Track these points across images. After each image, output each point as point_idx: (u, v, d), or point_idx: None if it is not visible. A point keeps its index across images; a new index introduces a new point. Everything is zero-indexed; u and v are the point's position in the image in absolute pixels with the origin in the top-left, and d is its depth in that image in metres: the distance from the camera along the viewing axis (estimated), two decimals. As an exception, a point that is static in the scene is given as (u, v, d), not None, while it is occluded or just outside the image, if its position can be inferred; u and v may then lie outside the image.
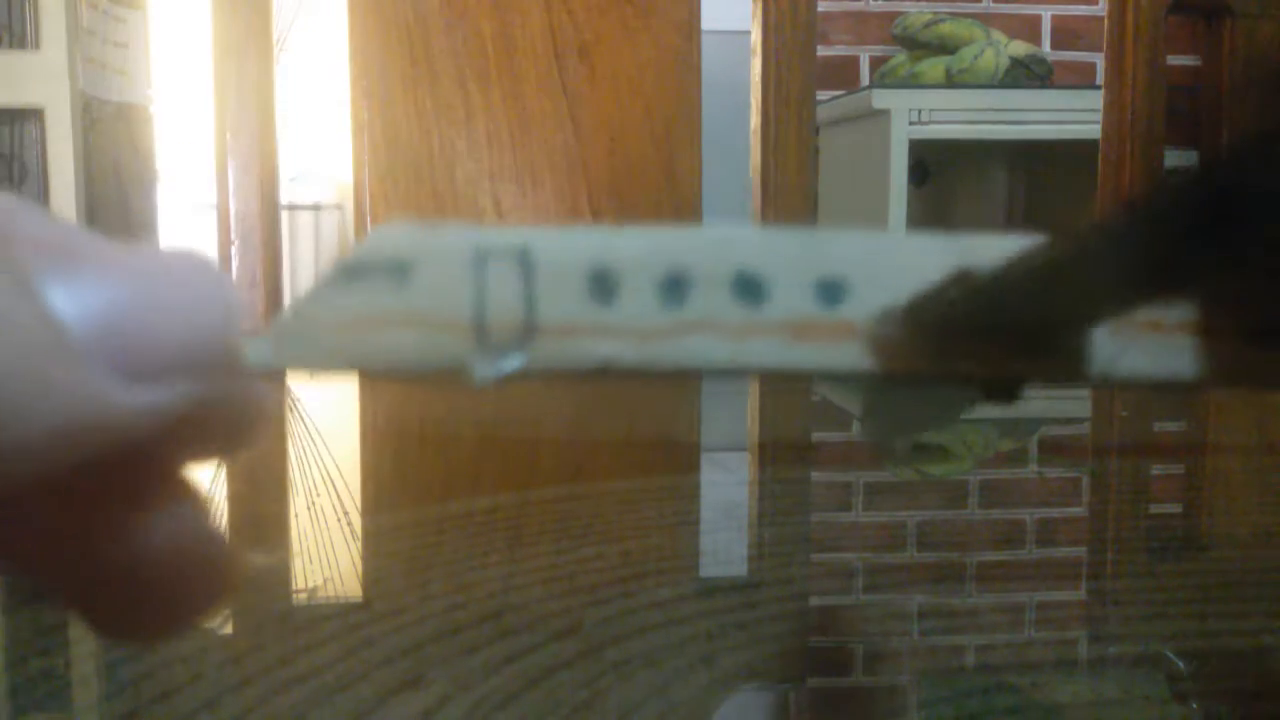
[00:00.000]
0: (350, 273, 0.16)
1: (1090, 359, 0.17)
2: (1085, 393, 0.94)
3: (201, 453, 0.16)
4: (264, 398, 0.16)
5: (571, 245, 0.17)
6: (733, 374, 0.17)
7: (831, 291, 0.17)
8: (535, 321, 0.16)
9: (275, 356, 0.16)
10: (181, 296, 0.15)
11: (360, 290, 0.16)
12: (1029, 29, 2.59)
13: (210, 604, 0.17)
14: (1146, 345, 0.17)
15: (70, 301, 0.14)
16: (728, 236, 0.17)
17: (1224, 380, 0.18)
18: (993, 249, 0.17)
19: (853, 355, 0.17)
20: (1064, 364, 0.17)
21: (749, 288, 0.17)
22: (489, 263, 0.16)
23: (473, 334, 0.16)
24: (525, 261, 0.16)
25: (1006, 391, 0.17)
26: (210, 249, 1.08)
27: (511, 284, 0.16)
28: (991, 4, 2.60)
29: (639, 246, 0.17)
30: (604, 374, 0.17)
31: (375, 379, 0.17)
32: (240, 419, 0.16)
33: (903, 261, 0.17)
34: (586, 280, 0.16)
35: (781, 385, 0.92)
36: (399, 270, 0.16)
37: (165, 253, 0.15)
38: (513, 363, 0.16)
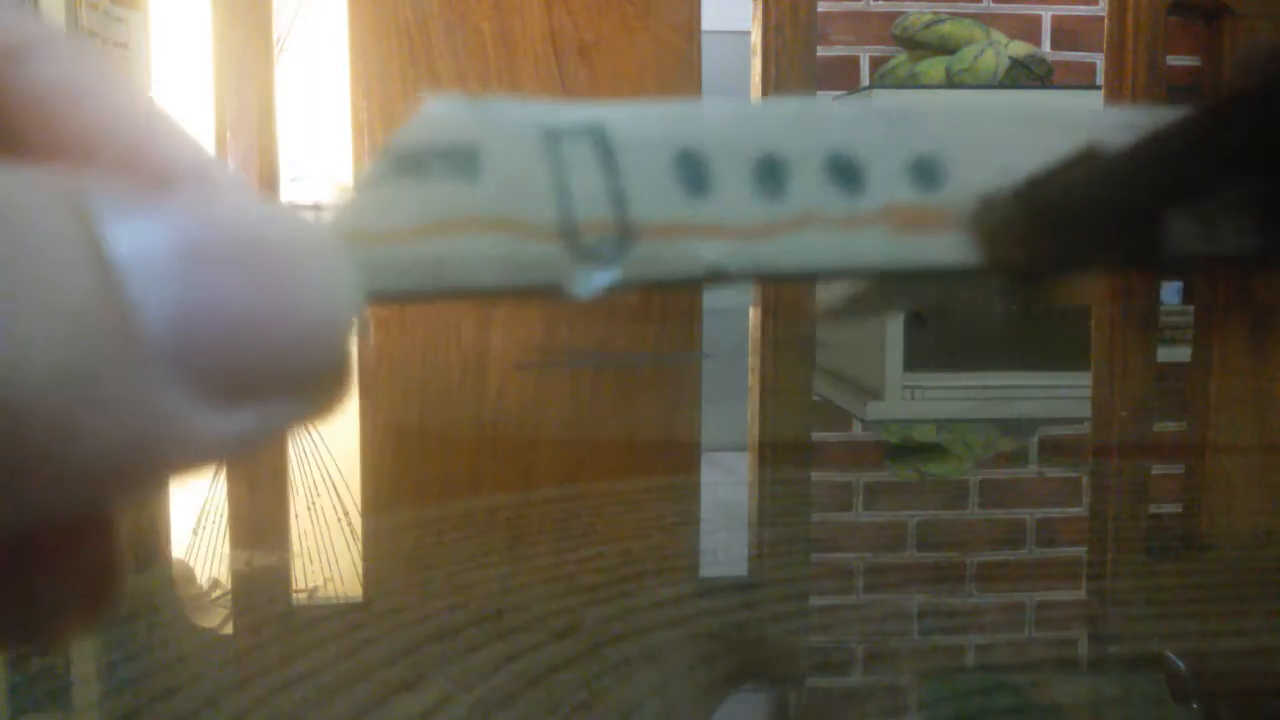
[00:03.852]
0: (409, 163, 0.13)
1: (1172, 240, 0.15)
2: (1085, 393, 0.94)
3: None
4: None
5: (650, 123, 0.14)
6: (842, 274, 0.15)
7: (928, 174, 0.15)
8: (629, 220, 0.14)
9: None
10: (292, 284, 0.10)
11: (425, 186, 0.13)
12: (1029, 29, 2.59)
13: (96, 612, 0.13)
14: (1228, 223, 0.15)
15: (147, 270, 0.10)
16: (813, 112, 0.15)
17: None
18: (1104, 122, 0.15)
19: (960, 246, 0.15)
20: (1149, 246, 0.15)
21: (845, 170, 0.15)
22: (562, 146, 0.14)
23: (562, 238, 0.14)
24: (602, 144, 0.14)
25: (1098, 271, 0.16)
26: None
27: (592, 172, 0.14)
28: (991, 4, 2.60)
29: (724, 124, 0.14)
30: (713, 280, 0.14)
31: (454, 300, 0.14)
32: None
33: (996, 135, 0.15)
34: (673, 166, 0.14)
35: (778, 385, 0.92)
36: (465, 159, 0.13)
37: (265, 205, 0.11)
38: (612, 273, 0.14)
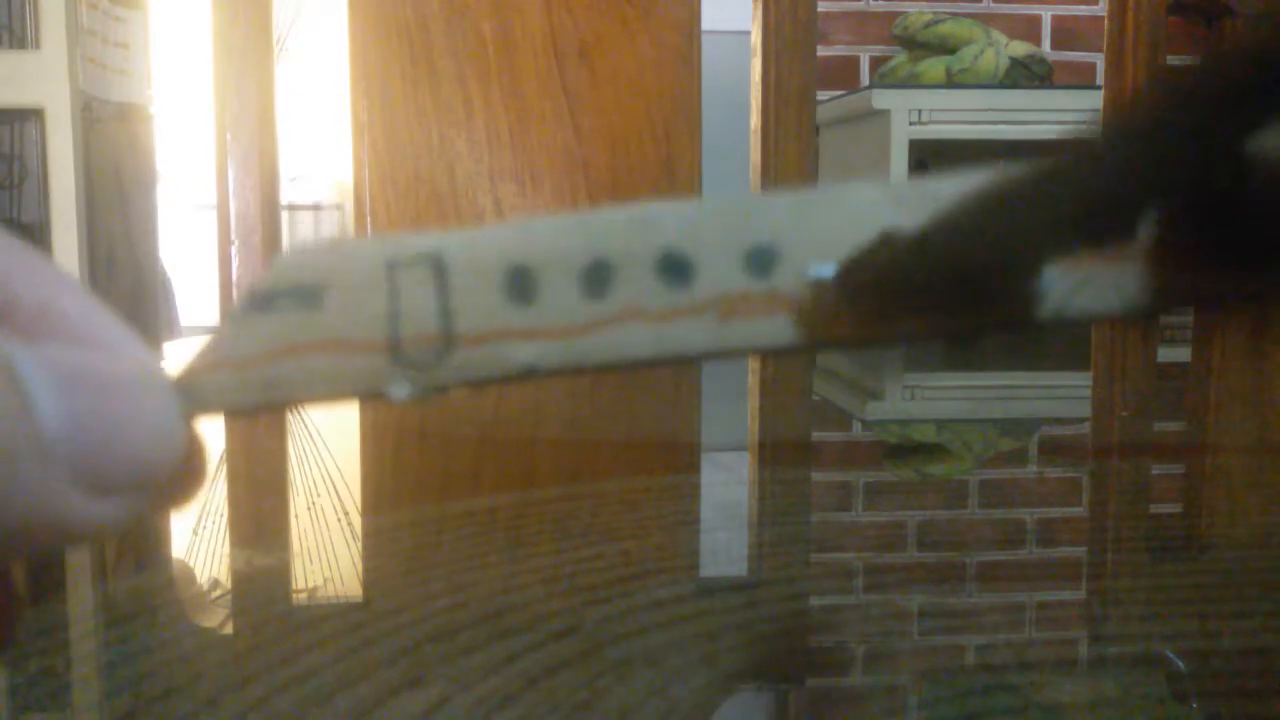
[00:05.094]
0: (260, 303, 0.16)
1: (1040, 301, 0.16)
2: (1085, 393, 0.94)
3: None
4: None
5: (486, 245, 0.16)
6: (661, 362, 0.16)
7: (761, 261, 0.16)
8: (452, 331, 0.16)
9: (195, 402, 0.16)
10: (145, 409, 0.15)
11: (271, 320, 0.16)
12: (1029, 29, 2.59)
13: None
14: (1100, 279, 0.16)
15: (45, 386, 0.14)
16: (651, 215, 0.16)
17: (1184, 301, 0.17)
18: (929, 191, 0.16)
19: (785, 329, 0.16)
20: (1013, 309, 0.16)
21: (675, 268, 0.16)
22: (400, 274, 0.16)
23: (388, 352, 0.16)
24: (438, 268, 0.16)
25: (963, 340, 0.17)
26: (210, 249, 1.08)
27: (425, 294, 0.16)
28: (991, 4, 2.60)
29: (557, 238, 0.16)
30: (529, 377, 0.16)
31: (297, 408, 0.17)
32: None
33: (833, 219, 0.16)
34: (503, 281, 0.16)
35: (778, 385, 0.92)
36: (309, 295, 0.16)
37: (127, 349, 0.16)
38: (431, 377, 0.16)
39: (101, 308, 0.16)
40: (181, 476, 0.15)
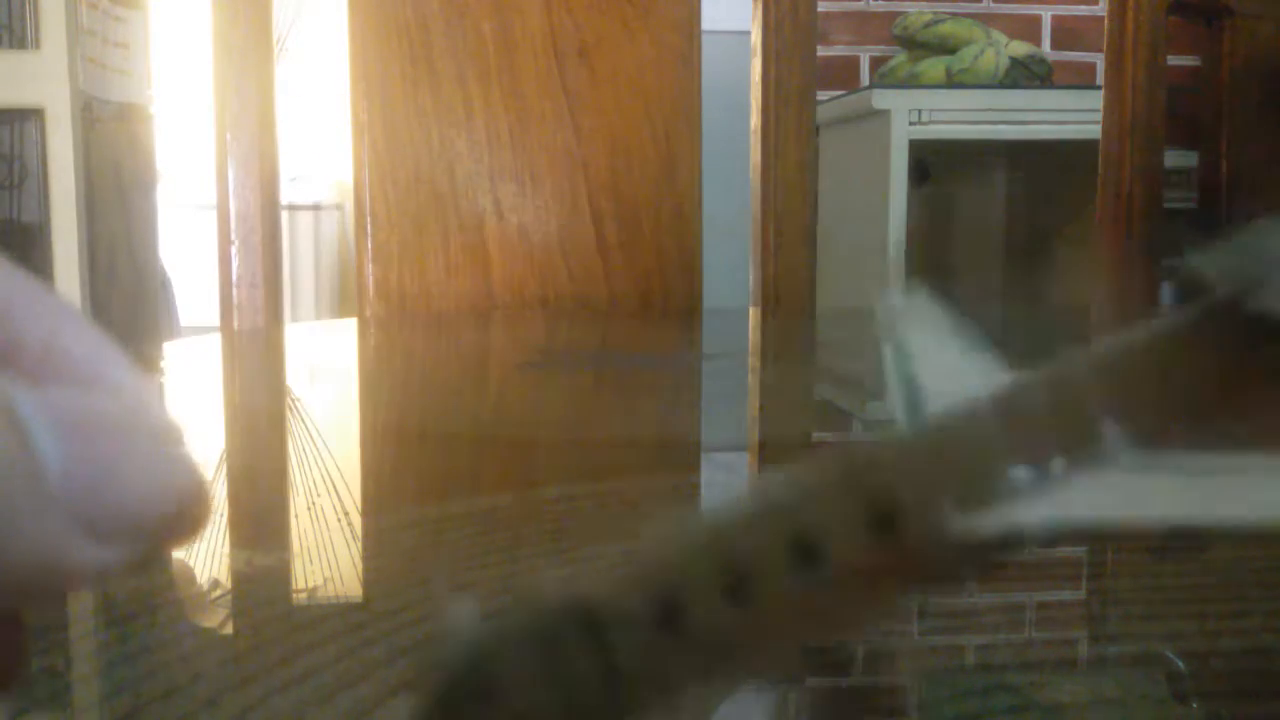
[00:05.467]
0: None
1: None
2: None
3: None
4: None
5: (626, 586, 0.16)
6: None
7: (882, 522, 0.16)
8: (618, 695, 0.16)
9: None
10: (147, 452, 0.15)
11: None
12: (1029, 29, 2.59)
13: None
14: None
15: (46, 429, 0.14)
16: (776, 504, 0.16)
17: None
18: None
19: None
20: None
21: (804, 554, 0.16)
22: (554, 644, 0.16)
23: None
24: (590, 627, 0.16)
25: None
26: (210, 249, 1.08)
27: (584, 660, 0.16)
28: (991, 4, 2.60)
29: (691, 555, 0.16)
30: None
31: None
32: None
33: (950, 463, 0.16)
34: (654, 613, 0.16)
35: (778, 385, 0.92)
36: (484, 694, 0.16)
37: (130, 387, 0.16)
38: None
39: (105, 344, 0.16)
40: (182, 519, 0.15)
